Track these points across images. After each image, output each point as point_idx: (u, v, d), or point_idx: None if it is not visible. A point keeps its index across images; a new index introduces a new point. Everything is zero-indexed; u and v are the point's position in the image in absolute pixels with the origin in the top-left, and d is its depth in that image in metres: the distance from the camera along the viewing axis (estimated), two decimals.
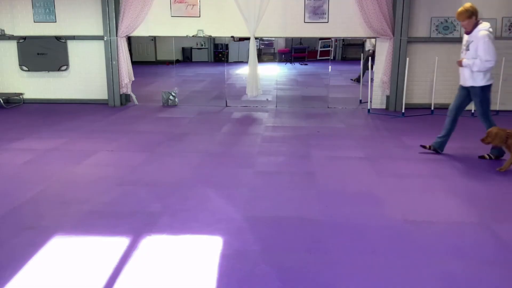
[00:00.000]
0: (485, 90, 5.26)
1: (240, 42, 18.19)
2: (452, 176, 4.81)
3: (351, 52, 19.42)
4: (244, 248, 3.22)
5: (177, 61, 18.73)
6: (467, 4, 5.18)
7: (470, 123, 7.49)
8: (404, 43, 8.31)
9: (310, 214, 3.82)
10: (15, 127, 7.11)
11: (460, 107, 5.48)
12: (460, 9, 5.17)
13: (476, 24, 5.17)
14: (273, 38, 18.63)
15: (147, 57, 18.40)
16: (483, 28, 5.13)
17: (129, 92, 9.14)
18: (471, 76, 5.23)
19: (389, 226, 3.60)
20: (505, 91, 8.34)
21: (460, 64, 5.32)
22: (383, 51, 8.54)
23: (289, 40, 18.94)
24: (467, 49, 5.21)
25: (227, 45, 18.87)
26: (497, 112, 8.22)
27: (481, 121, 5.44)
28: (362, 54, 11.20)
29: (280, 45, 19.38)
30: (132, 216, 3.76)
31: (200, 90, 11.56)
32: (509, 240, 3.35)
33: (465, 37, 5.32)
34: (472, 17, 5.15)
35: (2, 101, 8.75)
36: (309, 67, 17.17)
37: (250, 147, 5.95)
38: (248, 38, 8.78)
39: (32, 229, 3.52)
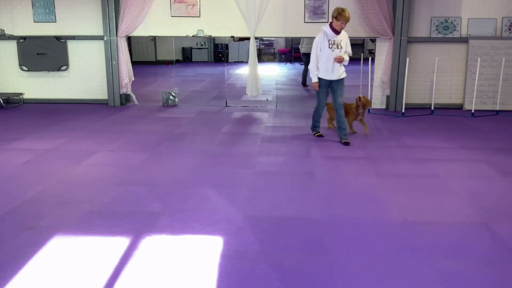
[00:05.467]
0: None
1: (240, 42, 18.20)
2: (452, 176, 4.81)
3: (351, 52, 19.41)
4: (244, 248, 3.22)
5: (177, 61, 18.73)
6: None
7: (470, 123, 7.49)
8: (404, 43, 8.31)
9: (310, 214, 3.82)
10: (15, 127, 7.11)
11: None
12: (348, 13, 5.81)
13: None
14: (273, 38, 18.65)
15: (147, 57, 18.40)
16: None
17: (129, 92, 9.15)
18: (343, 69, 6.11)
19: (389, 226, 3.60)
20: (505, 91, 8.34)
21: (341, 60, 5.96)
22: (383, 51, 8.54)
23: (289, 40, 18.95)
24: (341, 47, 5.96)
25: (227, 45, 18.88)
26: (497, 112, 8.22)
27: (342, 101, 6.17)
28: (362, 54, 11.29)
29: (280, 45, 19.39)
30: (132, 216, 3.76)
31: (200, 90, 11.56)
32: (509, 240, 3.35)
33: (333, 37, 5.92)
34: None
35: (2, 101, 8.75)
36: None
37: (250, 147, 5.95)
38: (248, 38, 8.78)
39: (32, 229, 3.52)
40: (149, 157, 5.50)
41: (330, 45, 5.90)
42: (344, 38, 5.98)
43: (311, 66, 6.05)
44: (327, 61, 5.94)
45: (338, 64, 5.96)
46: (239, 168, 5.09)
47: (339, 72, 6.02)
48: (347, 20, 5.82)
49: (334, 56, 5.90)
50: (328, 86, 6.12)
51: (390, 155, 5.61)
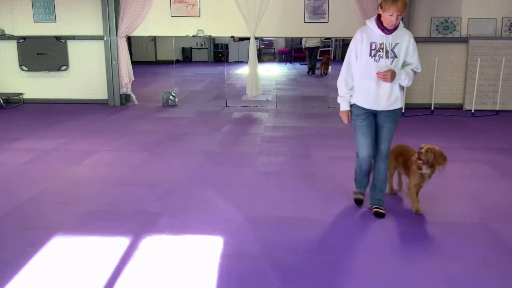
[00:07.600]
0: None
1: (240, 42, 18.19)
2: (452, 176, 4.81)
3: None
4: (244, 248, 3.22)
5: (177, 61, 18.72)
6: None
7: (470, 123, 7.49)
8: None
9: (310, 214, 3.82)
10: (15, 127, 7.11)
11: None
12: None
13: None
14: (273, 38, 18.63)
15: (147, 57, 18.39)
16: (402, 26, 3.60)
17: (129, 92, 9.14)
18: (399, 94, 3.67)
19: (389, 226, 3.60)
20: (505, 91, 8.34)
21: (391, 77, 3.51)
22: None
23: (289, 40, 18.93)
24: (394, 56, 3.55)
25: (227, 45, 18.87)
26: (497, 112, 8.22)
27: (388, 149, 3.90)
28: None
29: (280, 45, 19.38)
30: (132, 216, 3.76)
31: (200, 90, 11.56)
32: (509, 240, 3.35)
33: (381, 38, 3.53)
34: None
35: (2, 101, 8.75)
36: None
37: (250, 147, 5.95)
38: (248, 38, 8.78)
39: (32, 229, 3.52)
40: (149, 157, 5.50)
41: (373, 51, 3.52)
42: (402, 41, 3.55)
43: (339, 82, 3.67)
44: (367, 78, 3.57)
45: (388, 84, 3.54)
46: (239, 168, 5.09)
47: (389, 98, 3.59)
48: (399, 10, 3.34)
49: (378, 70, 3.51)
50: (371, 118, 3.68)
51: None
